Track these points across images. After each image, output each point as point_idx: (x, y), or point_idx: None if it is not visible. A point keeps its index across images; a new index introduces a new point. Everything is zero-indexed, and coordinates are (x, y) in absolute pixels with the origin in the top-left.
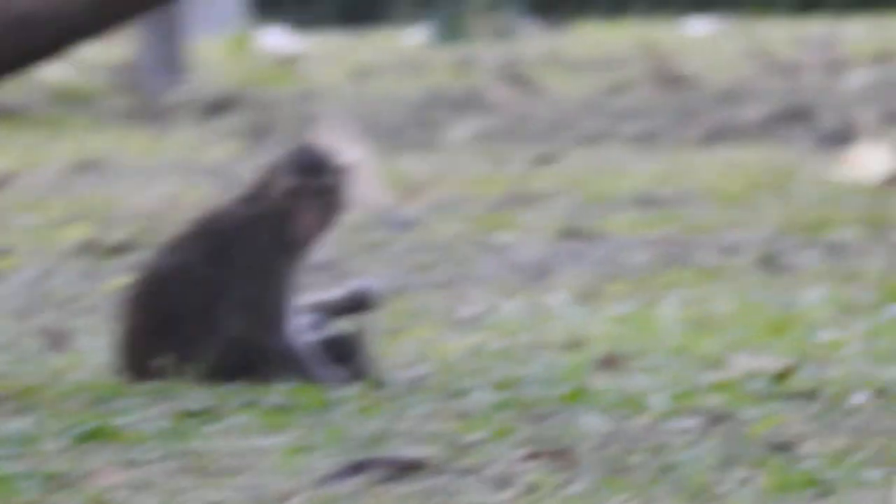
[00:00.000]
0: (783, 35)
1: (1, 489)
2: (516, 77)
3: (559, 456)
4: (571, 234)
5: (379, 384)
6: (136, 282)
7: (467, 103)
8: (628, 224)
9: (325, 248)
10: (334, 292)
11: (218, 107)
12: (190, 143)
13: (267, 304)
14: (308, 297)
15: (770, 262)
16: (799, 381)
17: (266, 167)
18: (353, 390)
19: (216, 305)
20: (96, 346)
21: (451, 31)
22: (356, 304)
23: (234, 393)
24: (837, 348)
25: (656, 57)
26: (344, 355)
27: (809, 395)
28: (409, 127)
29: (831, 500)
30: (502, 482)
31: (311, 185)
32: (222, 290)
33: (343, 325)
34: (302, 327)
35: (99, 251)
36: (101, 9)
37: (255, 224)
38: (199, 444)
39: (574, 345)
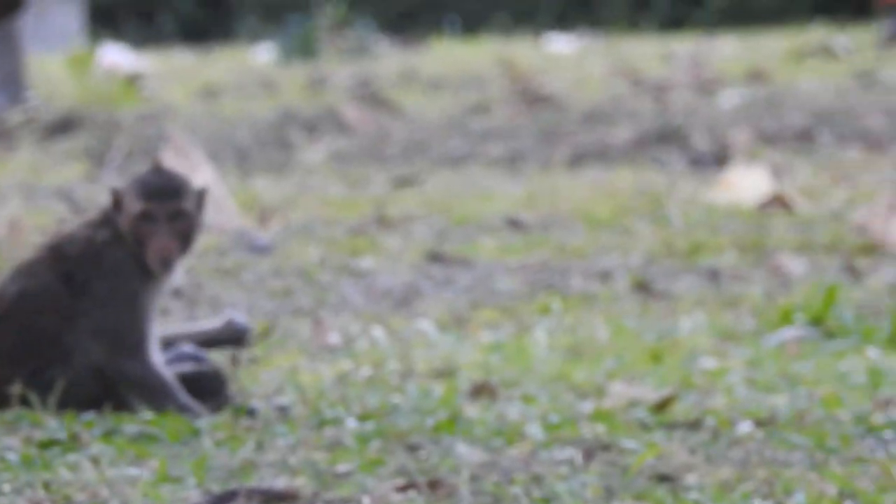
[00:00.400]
0: (649, 53)
1: None
2: (372, 96)
3: (434, 487)
4: (437, 258)
5: (245, 413)
6: None
7: (321, 123)
8: (496, 249)
9: (180, 274)
10: (207, 323)
11: (61, 127)
12: (33, 164)
13: (124, 331)
14: (180, 326)
15: (645, 288)
16: (680, 411)
17: (116, 191)
18: (218, 419)
19: (69, 331)
20: None
21: (301, 48)
22: (231, 337)
23: (92, 422)
24: (719, 377)
25: (517, 76)
26: (205, 390)
27: (692, 425)
28: (261, 148)
29: None
30: None
31: (163, 210)
32: (75, 316)
33: (204, 361)
34: (163, 356)
35: None
36: None
37: (107, 249)
38: (61, 475)
39: (445, 373)
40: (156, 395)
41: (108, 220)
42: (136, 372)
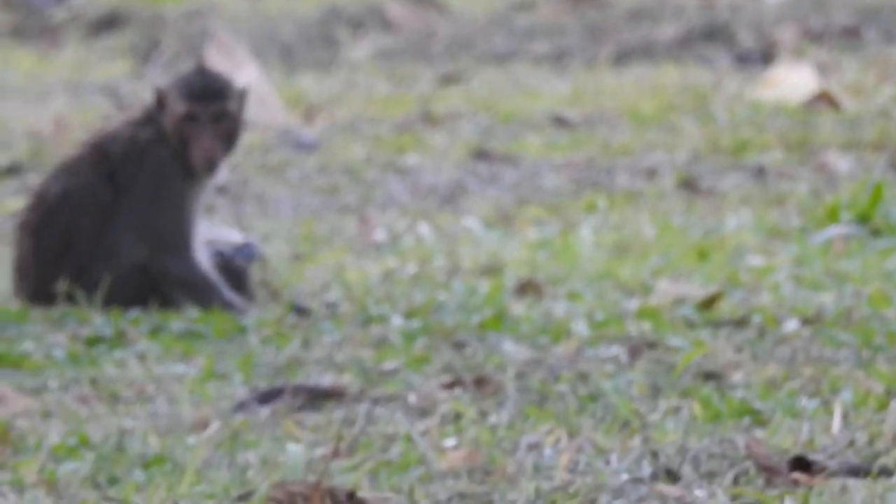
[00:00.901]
0: None
1: None
2: None
3: (480, 384)
4: (482, 156)
5: (292, 310)
6: (27, 207)
7: (366, 21)
8: (541, 146)
9: (224, 172)
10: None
11: (106, 24)
12: (78, 61)
13: (167, 230)
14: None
15: (691, 186)
16: (727, 309)
17: (159, 90)
18: (263, 316)
19: (112, 230)
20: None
21: None
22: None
23: (138, 319)
24: (765, 274)
25: None
26: (232, 283)
27: (738, 322)
28: (306, 45)
29: (767, 430)
30: (422, 411)
31: (207, 112)
32: (118, 215)
33: (230, 253)
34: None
35: None
36: None
37: (150, 148)
38: (107, 371)
39: (491, 270)
40: (200, 292)
41: (150, 118)
42: (180, 270)
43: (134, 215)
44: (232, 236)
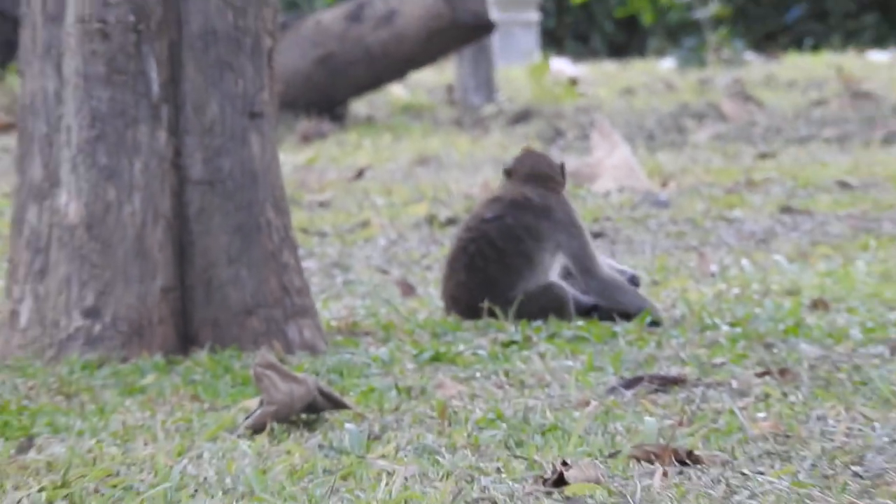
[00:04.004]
0: None
1: (371, 398)
2: (742, 94)
3: (783, 374)
4: (787, 210)
5: (653, 322)
6: (460, 246)
7: (706, 114)
8: (830, 203)
9: (604, 220)
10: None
11: (521, 117)
12: (501, 143)
13: (586, 252)
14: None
15: None
16: None
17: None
18: (628, 326)
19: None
20: (434, 295)
21: (693, 60)
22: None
23: (539, 328)
24: None
25: (847, 79)
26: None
27: None
28: (663, 132)
29: None
30: (741, 393)
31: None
32: (537, 247)
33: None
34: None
35: (435, 224)
36: (431, 45)
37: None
38: (517, 365)
39: (792, 292)
40: (624, 291)
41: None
42: (604, 276)
43: (559, 244)
44: (622, 268)
